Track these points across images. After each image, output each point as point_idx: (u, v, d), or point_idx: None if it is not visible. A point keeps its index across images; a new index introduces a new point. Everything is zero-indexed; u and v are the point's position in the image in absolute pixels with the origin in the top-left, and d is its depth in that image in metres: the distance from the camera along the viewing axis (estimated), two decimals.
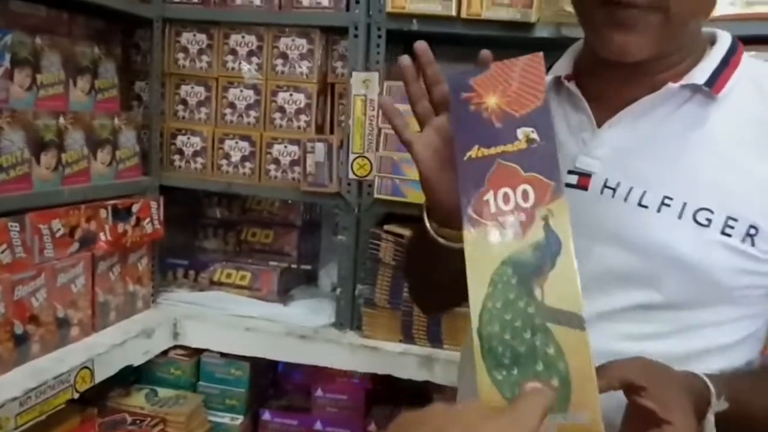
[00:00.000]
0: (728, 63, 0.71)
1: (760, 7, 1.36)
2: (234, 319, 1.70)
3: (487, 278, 0.57)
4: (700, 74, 0.70)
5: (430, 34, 1.56)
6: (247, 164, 1.76)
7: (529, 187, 0.59)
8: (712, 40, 0.74)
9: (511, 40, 1.49)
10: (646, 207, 0.69)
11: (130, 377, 1.69)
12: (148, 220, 1.64)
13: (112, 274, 1.57)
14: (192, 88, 1.78)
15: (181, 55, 1.76)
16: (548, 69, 0.81)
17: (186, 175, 1.79)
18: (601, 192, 0.71)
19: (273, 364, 1.82)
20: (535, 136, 0.61)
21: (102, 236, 1.50)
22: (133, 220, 1.59)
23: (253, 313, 1.73)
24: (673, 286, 0.68)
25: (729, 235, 0.67)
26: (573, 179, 0.72)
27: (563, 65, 0.78)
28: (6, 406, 1.17)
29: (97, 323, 1.52)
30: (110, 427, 1.52)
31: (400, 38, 1.65)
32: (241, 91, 1.75)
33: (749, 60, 0.73)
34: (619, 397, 0.59)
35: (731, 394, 0.61)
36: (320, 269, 1.97)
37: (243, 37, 1.73)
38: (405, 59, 0.67)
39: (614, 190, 0.70)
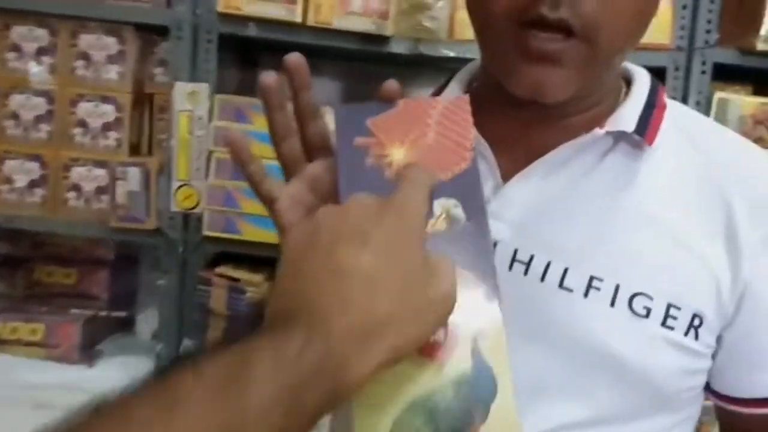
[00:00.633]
0: (654, 106, 0.58)
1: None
2: (19, 394, 1.34)
3: (387, 427, 0.39)
4: (625, 119, 0.56)
5: (271, 41, 1.34)
6: (38, 191, 1.41)
7: None
8: (625, 77, 0.61)
9: (365, 53, 1.33)
10: (569, 290, 0.54)
11: None
12: None
13: None
14: None
15: None
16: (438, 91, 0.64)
17: None
18: (510, 267, 0.55)
19: None
20: (458, 212, 0.44)
21: None
22: None
23: (47, 381, 1.38)
24: (607, 396, 0.54)
25: (671, 328, 0.53)
26: None
27: (453, 94, 0.61)
28: None
29: None
30: None
31: (235, 44, 1.41)
32: (29, 98, 1.40)
33: (672, 103, 0.61)
34: None
35: None
36: (138, 314, 1.67)
37: (30, 30, 1.39)
38: (267, 77, 0.48)
39: (527, 265, 0.55)
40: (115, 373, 1.44)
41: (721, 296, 0.55)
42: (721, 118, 1.32)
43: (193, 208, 1.34)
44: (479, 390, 0.41)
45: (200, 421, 0.32)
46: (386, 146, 0.47)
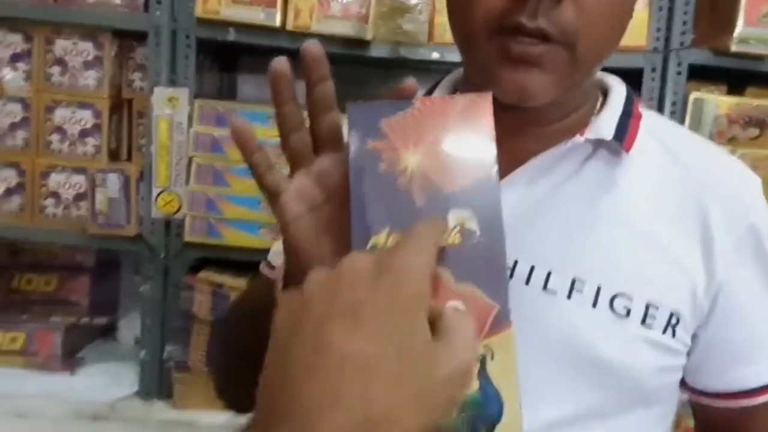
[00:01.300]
0: (630, 115, 0.59)
1: None
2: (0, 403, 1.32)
3: None
4: (604, 127, 0.57)
5: (250, 45, 1.34)
6: (15, 198, 1.39)
7: (460, 307, 0.40)
8: (601, 87, 0.63)
9: (346, 57, 1.33)
10: (553, 293, 0.55)
11: None
12: None
13: None
14: None
15: None
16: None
17: None
18: None
19: None
20: (473, 226, 0.42)
21: None
22: None
23: (27, 390, 1.36)
24: (590, 394, 0.56)
25: (650, 327, 0.55)
26: None
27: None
28: None
29: None
30: None
31: (214, 49, 1.40)
32: (4, 105, 1.38)
33: (648, 112, 0.62)
34: None
35: None
36: (120, 320, 1.65)
37: (4, 35, 1.37)
38: (280, 63, 0.45)
39: (512, 270, 0.56)
40: (97, 380, 1.43)
41: (696, 297, 0.57)
42: (697, 118, 1.34)
43: (174, 213, 1.33)
44: (485, 411, 0.40)
45: None
46: (400, 151, 0.43)
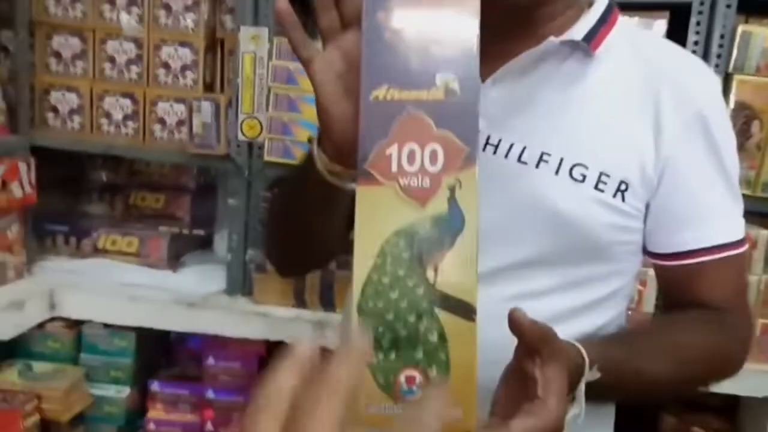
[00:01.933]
0: (605, 22, 0.71)
1: None
2: (118, 288, 1.60)
3: (377, 248, 0.50)
4: (578, 31, 0.70)
5: None
6: (130, 124, 1.65)
7: (439, 148, 0.51)
8: (589, 2, 0.74)
9: None
10: (525, 163, 0.69)
11: (1, 353, 1.57)
12: (16, 183, 1.51)
13: None
14: (66, 39, 1.63)
15: (51, 2, 1.61)
16: None
17: (62, 134, 1.66)
18: (483, 149, 0.70)
19: (165, 334, 1.75)
20: (455, 86, 0.52)
21: None
22: None
23: (139, 281, 1.63)
24: (550, 242, 0.69)
25: (602, 191, 0.68)
26: None
27: None
28: None
29: None
30: None
31: None
32: (121, 44, 1.63)
33: (624, 21, 0.74)
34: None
35: (604, 361, 0.61)
36: (215, 234, 1.89)
37: None
38: None
39: (495, 147, 0.70)
40: (193, 278, 1.67)
41: (645, 170, 0.69)
42: (744, 50, 1.37)
43: (256, 136, 1.54)
44: (450, 226, 0.50)
45: None
46: (403, 23, 0.52)
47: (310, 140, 0.64)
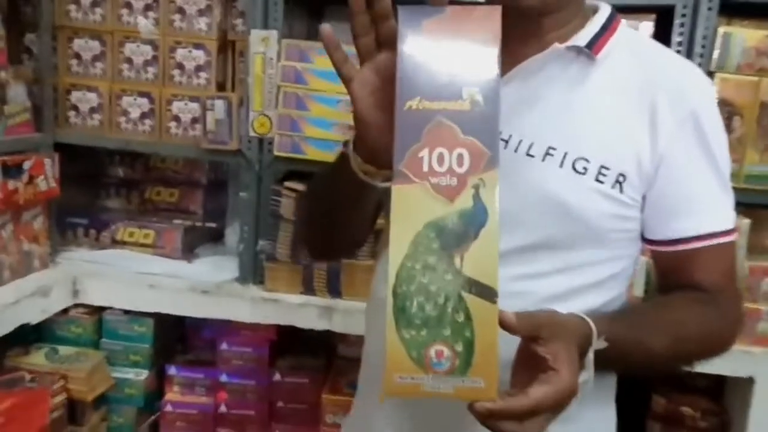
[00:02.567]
0: (607, 29, 0.78)
1: None
2: (137, 277, 1.70)
3: (410, 238, 0.58)
4: (582, 38, 0.77)
5: None
6: (147, 121, 1.74)
7: (465, 152, 0.58)
8: (594, 10, 0.81)
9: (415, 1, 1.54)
10: (532, 157, 0.76)
11: (30, 337, 1.67)
12: (42, 177, 1.61)
13: (5, 233, 1.54)
14: (86, 42, 1.73)
15: (72, 7, 1.71)
16: None
17: (82, 131, 1.75)
18: None
19: (181, 321, 1.85)
20: (479, 98, 0.59)
21: None
22: (25, 177, 1.56)
23: (156, 270, 1.73)
24: (554, 228, 0.75)
25: (602, 182, 0.75)
26: None
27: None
28: None
29: None
30: (8, 385, 1.51)
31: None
32: (138, 46, 1.72)
33: (625, 28, 0.80)
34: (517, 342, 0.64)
35: (609, 333, 0.67)
36: (227, 227, 1.98)
37: None
38: None
39: (506, 142, 0.77)
40: (207, 267, 1.77)
41: (641, 163, 0.75)
42: (726, 50, 1.45)
43: (266, 133, 1.62)
44: (475, 219, 0.57)
45: None
46: (434, 43, 0.59)
47: (345, 143, 0.72)
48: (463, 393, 0.57)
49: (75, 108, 1.74)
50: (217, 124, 1.65)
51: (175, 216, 1.95)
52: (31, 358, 1.62)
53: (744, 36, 1.44)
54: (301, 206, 1.13)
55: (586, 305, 0.75)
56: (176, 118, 1.73)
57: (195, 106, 1.70)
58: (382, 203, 0.80)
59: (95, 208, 1.96)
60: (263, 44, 1.60)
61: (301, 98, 1.58)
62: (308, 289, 1.66)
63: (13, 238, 1.57)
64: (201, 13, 1.68)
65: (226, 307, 1.66)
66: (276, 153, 1.61)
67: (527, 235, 0.76)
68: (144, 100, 1.73)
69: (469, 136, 0.58)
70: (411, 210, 0.58)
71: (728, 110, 1.45)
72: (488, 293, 0.57)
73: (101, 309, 1.75)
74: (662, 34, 1.52)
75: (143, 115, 1.74)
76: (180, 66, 1.71)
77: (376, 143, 0.66)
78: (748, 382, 1.53)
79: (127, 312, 1.74)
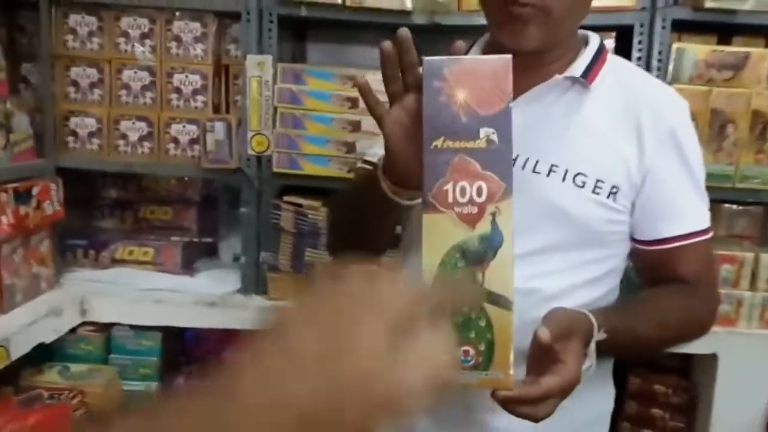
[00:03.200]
0: (598, 59, 0.90)
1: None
2: (141, 293, 1.77)
3: (439, 259, 0.68)
4: (577, 68, 0.89)
5: (318, 19, 1.70)
6: (146, 144, 1.81)
7: (483, 185, 0.67)
8: (585, 41, 0.93)
9: (392, 25, 1.66)
10: (538, 173, 0.87)
11: (40, 356, 1.72)
12: (48, 202, 1.67)
13: (16, 257, 1.59)
14: (83, 70, 1.79)
15: (69, 37, 1.77)
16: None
17: (82, 156, 1.81)
18: None
19: (181, 334, 1.91)
20: (495, 138, 0.67)
21: (4, 219, 1.52)
22: (33, 202, 1.61)
23: (160, 286, 1.80)
24: (558, 233, 0.87)
25: (598, 194, 0.86)
26: None
27: (474, 54, 0.94)
28: None
29: (5, 305, 1.54)
30: (27, 403, 1.56)
31: (290, 23, 1.77)
32: (135, 72, 1.79)
33: (612, 57, 0.93)
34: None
35: (608, 326, 0.76)
36: (220, 241, 2.05)
37: (135, 19, 1.77)
38: (388, 46, 0.72)
39: (514, 160, 0.86)
40: (209, 281, 1.84)
41: (631, 176, 0.88)
42: (679, 64, 1.64)
43: (264, 151, 1.72)
44: (493, 242, 0.67)
45: None
46: (454, 89, 0.68)
47: (365, 161, 0.83)
48: (486, 384, 0.68)
49: (74, 133, 1.80)
50: (217, 144, 1.74)
51: (171, 233, 2.00)
52: (45, 377, 1.67)
53: (695, 50, 1.62)
54: (330, 220, 1.26)
55: (586, 298, 0.86)
56: (175, 140, 1.80)
57: (193, 128, 1.78)
58: (401, 215, 0.91)
59: (91, 229, 2.01)
60: (259, 68, 1.70)
61: (298, 118, 1.69)
62: None
63: (23, 261, 1.63)
64: (197, 40, 1.76)
65: (233, 317, 1.74)
66: (275, 169, 1.71)
67: (535, 240, 0.86)
68: (143, 124, 1.79)
69: (487, 171, 0.68)
70: (439, 235, 0.68)
71: None
72: (505, 303, 0.67)
73: (108, 326, 1.81)
74: (622, 50, 1.69)
75: (141, 138, 1.80)
76: (177, 90, 1.79)
77: (404, 169, 0.75)
78: (712, 359, 1.69)
79: (133, 327, 1.80)
